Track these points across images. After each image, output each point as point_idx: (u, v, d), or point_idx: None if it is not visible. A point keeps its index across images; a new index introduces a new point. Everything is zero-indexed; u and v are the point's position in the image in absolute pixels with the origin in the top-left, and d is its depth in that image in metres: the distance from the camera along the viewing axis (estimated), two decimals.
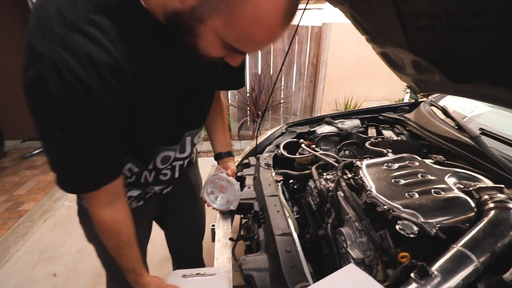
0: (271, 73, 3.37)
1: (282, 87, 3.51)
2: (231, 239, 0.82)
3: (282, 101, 3.55)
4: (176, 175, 0.80)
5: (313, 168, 0.98)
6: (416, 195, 0.70)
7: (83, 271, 1.62)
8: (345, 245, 0.67)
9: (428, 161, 0.89)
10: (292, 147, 1.24)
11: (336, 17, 3.02)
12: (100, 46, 0.40)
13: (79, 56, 0.39)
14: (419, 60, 0.95)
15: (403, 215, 0.65)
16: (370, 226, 0.65)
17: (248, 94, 3.41)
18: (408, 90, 3.23)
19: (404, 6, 0.71)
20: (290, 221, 0.75)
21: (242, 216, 1.00)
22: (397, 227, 0.62)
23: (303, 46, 3.33)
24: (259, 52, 3.26)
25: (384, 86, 3.75)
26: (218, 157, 0.89)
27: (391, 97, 3.88)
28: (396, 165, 0.85)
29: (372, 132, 1.28)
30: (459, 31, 0.62)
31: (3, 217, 2.10)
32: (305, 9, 0.96)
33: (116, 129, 0.46)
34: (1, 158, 3.04)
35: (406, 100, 3.27)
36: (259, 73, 3.35)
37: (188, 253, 1.11)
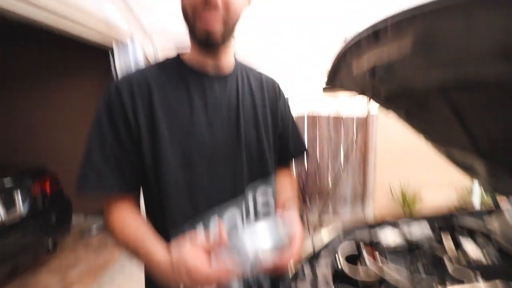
0: (318, 160, 3.39)
1: (330, 173, 3.45)
2: None
3: (329, 187, 3.43)
4: None
5: None
6: None
7: None
8: None
9: None
10: (352, 255, 1.10)
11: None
12: (139, 71, 0.63)
13: (124, 76, 0.62)
14: (494, 168, 0.86)
15: None
16: None
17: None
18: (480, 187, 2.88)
19: (473, 128, 0.68)
20: None
21: None
22: None
23: (349, 134, 3.38)
24: (305, 139, 3.37)
25: (446, 172, 3.41)
26: None
27: (457, 184, 3.48)
28: None
29: (449, 244, 1.10)
30: None
31: None
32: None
33: (132, 131, 0.58)
34: (67, 237, 3.25)
35: (477, 190, 2.89)
36: (305, 159, 3.39)
37: None
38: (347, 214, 3.53)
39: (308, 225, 3.14)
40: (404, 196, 3.39)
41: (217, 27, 0.58)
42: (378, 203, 3.50)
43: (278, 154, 0.80)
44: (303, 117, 3.36)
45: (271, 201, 0.74)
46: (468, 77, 0.46)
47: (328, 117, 3.33)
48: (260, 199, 0.72)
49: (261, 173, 0.72)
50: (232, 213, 0.66)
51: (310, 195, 3.21)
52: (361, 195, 3.55)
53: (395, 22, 0.39)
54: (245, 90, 0.71)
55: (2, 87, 3.67)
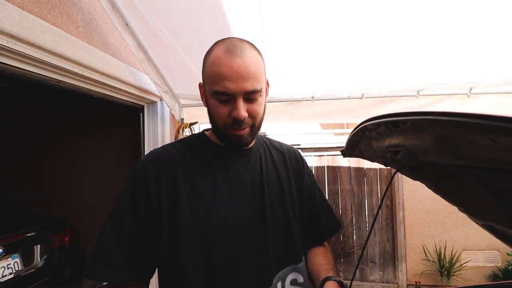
0: (340, 214, 3.20)
1: (355, 231, 3.21)
2: None
3: (355, 248, 3.16)
4: None
5: None
6: None
7: None
8: None
9: None
10: None
11: None
12: (164, 148, 0.66)
13: (150, 153, 0.66)
14: None
15: None
16: None
17: None
18: None
19: (509, 203, 0.62)
20: None
21: None
22: None
23: (373, 188, 3.22)
24: (326, 193, 3.25)
25: (485, 232, 3.07)
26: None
27: (498, 245, 3.09)
28: None
29: None
30: None
31: None
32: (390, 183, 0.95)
33: (153, 214, 0.57)
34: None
35: None
36: None
37: None
38: (376, 279, 3.17)
39: None
40: (440, 258, 3.03)
41: (247, 138, 0.62)
42: (411, 266, 3.14)
43: (309, 232, 0.74)
44: (323, 168, 3.29)
45: None
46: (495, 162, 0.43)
47: (350, 168, 3.24)
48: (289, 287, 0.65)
49: (291, 257, 0.66)
50: None
51: (334, 257, 2.96)
52: (391, 256, 3.22)
53: (414, 120, 0.39)
54: (269, 165, 0.70)
55: (47, 136, 3.96)
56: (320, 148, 3.29)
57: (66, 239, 2.55)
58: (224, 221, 0.59)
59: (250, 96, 0.57)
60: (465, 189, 0.71)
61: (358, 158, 3.32)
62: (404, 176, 3.34)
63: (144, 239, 0.57)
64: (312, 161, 3.31)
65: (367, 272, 3.17)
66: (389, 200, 3.20)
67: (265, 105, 0.64)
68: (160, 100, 2.09)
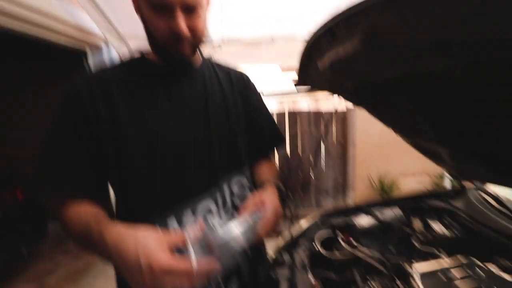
0: (300, 154, 3.45)
1: (312, 167, 3.52)
2: None
3: (312, 181, 3.51)
4: None
5: (356, 272, 0.88)
6: None
7: None
8: None
9: (491, 266, 0.76)
10: (329, 241, 1.15)
11: None
12: (100, 70, 0.62)
13: (82, 76, 0.60)
14: (457, 154, 0.92)
15: None
16: None
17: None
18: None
19: (433, 118, 0.72)
20: None
21: None
22: None
23: (329, 128, 3.46)
24: (287, 136, 3.42)
25: (419, 161, 3.58)
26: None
27: (429, 170, 3.66)
28: (454, 273, 0.73)
29: (417, 224, 1.17)
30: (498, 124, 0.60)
31: None
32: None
33: (92, 129, 0.56)
34: (43, 244, 3.15)
35: (447, 177, 3.06)
36: (288, 155, 3.45)
37: None
38: (329, 206, 3.63)
39: (292, 218, 3.20)
40: (382, 185, 3.52)
41: (188, 52, 0.60)
42: (359, 193, 3.62)
43: (255, 147, 0.79)
44: (284, 114, 3.40)
45: (247, 191, 0.73)
46: (415, 70, 0.50)
47: (309, 113, 3.39)
48: (235, 190, 0.71)
49: (235, 163, 0.71)
50: (206, 205, 0.65)
51: (293, 189, 3.27)
52: (342, 186, 3.66)
53: (344, 18, 0.42)
54: (213, 82, 0.70)
55: None
56: (281, 94, 3.35)
57: (19, 195, 2.45)
58: (167, 130, 0.60)
59: (190, 5, 0.54)
60: (396, 108, 0.80)
61: (317, 103, 3.44)
62: (357, 118, 3.57)
63: (87, 153, 0.57)
64: (273, 106, 3.38)
65: (322, 201, 3.61)
66: (342, 138, 3.50)
67: (205, 20, 0.61)
68: (106, 44, 1.87)
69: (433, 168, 3.62)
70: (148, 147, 0.59)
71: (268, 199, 0.62)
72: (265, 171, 0.81)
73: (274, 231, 0.61)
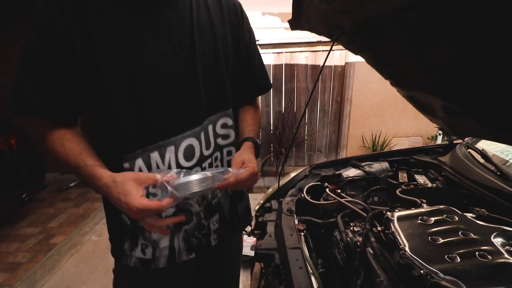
0: (295, 110, 3.42)
1: (306, 124, 3.52)
2: None
3: (306, 138, 3.53)
4: None
5: (339, 217, 0.93)
6: (458, 259, 0.62)
7: None
8: None
9: (469, 215, 0.80)
10: (316, 191, 1.19)
11: (359, 57, 3.07)
12: None
13: None
14: (449, 105, 0.91)
15: (444, 283, 0.57)
16: None
17: (272, 132, 3.45)
18: (441, 132, 3.08)
19: (428, 58, 0.70)
20: (313, 280, 0.69)
21: (263, 265, 0.95)
22: None
23: (326, 84, 3.38)
24: (283, 90, 3.35)
25: (414, 122, 3.61)
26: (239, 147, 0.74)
27: (422, 133, 3.70)
28: (432, 219, 0.77)
29: (403, 177, 1.20)
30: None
31: (35, 249, 2.18)
32: (330, 50, 0.98)
33: (66, 51, 0.53)
34: (42, 190, 3.26)
35: (440, 137, 3.10)
36: (283, 111, 3.41)
37: None
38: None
39: (281, 173, 3.29)
40: (374, 144, 3.58)
41: None
42: (351, 152, 3.69)
43: (243, 86, 0.76)
44: (281, 66, 3.28)
45: (232, 133, 0.72)
46: None
47: (307, 66, 3.27)
48: (219, 131, 0.69)
49: (221, 101, 0.68)
50: (190, 144, 0.63)
51: (286, 146, 3.31)
52: (335, 145, 3.71)
53: None
54: (201, 10, 0.64)
55: None
56: (279, 44, 3.18)
57: (12, 141, 2.45)
58: (148, 61, 0.57)
59: None
60: (392, 47, 0.76)
61: (315, 56, 3.30)
62: (355, 74, 3.47)
63: (62, 75, 0.55)
64: (270, 58, 3.23)
65: (314, 159, 3.69)
66: (339, 96, 3.44)
67: None
68: None
69: (426, 130, 3.67)
70: (128, 77, 0.55)
71: (247, 160, 0.64)
72: (248, 119, 0.79)
73: (250, 187, 0.67)
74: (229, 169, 0.61)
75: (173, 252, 0.67)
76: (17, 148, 2.49)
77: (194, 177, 0.55)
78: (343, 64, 3.30)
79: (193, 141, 0.63)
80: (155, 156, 0.60)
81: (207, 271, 0.79)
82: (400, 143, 3.71)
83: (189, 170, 0.60)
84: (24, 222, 2.60)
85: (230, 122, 0.71)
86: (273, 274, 0.78)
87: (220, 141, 0.70)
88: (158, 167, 0.61)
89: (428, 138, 3.66)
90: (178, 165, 0.62)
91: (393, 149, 3.66)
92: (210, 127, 0.66)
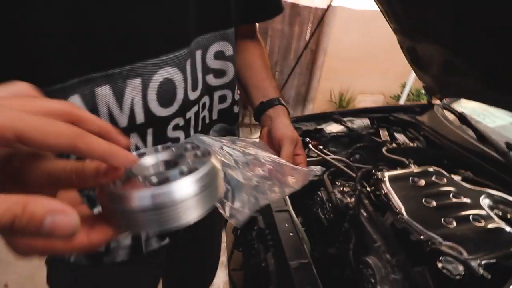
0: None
1: (277, 72, 3.33)
2: (233, 269, 0.69)
3: None
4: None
5: (325, 176, 0.86)
6: (454, 223, 0.60)
7: (42, 281, 1.44)
8: (372, 280, 0.57)
9: (456, 177, 0.79)
10: None
11: (343, 1, 2.83)
12: None
13: None
14: (457, 60, 0.83)
15: (444, 248, 0.54)
16: (409, 264, 0.54)
17: None
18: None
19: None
20: (304, 246, 0.63)
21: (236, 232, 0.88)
22: (440, 265, 0.53)
23: (303, 29, 3.13)
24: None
25: (380, 80, 3.67)
26: (261, 113, 0.56)
27: (386, 92, 3.81)
28: (422, 181, 0.74)
29: (384, 135, 1.17)
30: None
31: None
32: None
33: None
34: None
35: (403, 97, 3.20)
36: None
37: None
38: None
39: (250, 126, 3.19)
40: (341, 99, 3.61)
41: None
42: (317, 106, 3.69)
43: (244, 6, 0.51)
44: None
45: (230, 68, 0.51)
46: None
47: (285, 3, 2.95)
48: (211, 64, 0.47)
49: (218, 17, 0.45)
50: (169, 78, 0.40)
51: None
52: (303, 98, 3.65)
53: None
54: None
55: None
56: None
57: None
58: None
59: None
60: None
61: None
62: (335, 21, 3.26)
63: None
64: None
65: None
66: (315, 44, 3.25)
67: None
68: None
69: (389, 89, 3.77)
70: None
71: (299, 146, 0.48)
72: (259, 65, 0.59)
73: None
74: (259, 144, 0.42)
75: (138, 240, 0.48)
76: None
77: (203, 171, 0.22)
78: (325, 7, 3.04)
79: (174, 73, 0.40)
80: (104, 92, 0.36)
81: (181, 251, 0.65)
82: (363, 101, 3.80)
83: (171, 144, 0.29)
84: None
85: (229, 50, 0.49)
86: (257, 239, 0.71)
87: (211, 79, 0.49)
88: (110, 115, 0.37)
89: (390, 97, 3.80)
90: (148, 113, 0.39)
91: (356, 106, 3.75)
92: (198, 54, 0.45)
